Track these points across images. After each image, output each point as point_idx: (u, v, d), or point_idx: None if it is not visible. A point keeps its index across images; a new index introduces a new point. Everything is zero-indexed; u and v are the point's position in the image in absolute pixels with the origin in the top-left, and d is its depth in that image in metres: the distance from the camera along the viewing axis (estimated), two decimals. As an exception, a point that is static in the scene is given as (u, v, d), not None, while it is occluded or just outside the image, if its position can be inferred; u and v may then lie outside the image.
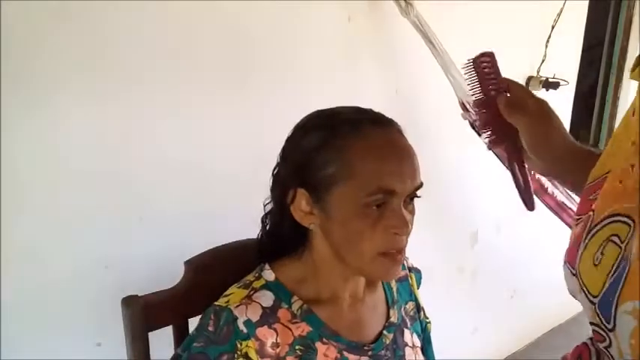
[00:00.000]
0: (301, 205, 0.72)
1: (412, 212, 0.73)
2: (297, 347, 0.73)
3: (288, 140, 0.76)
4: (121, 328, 0.82)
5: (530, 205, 0.83)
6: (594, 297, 0.56)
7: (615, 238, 0.55)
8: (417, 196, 0.74)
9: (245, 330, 0.70)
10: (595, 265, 0.57)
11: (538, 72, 2.09)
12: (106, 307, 0.95)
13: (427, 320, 0.92)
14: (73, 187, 1.06)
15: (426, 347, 0.91)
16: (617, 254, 0.54)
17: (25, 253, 1.02)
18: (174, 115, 1.17)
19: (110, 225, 1.12)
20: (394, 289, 0.88)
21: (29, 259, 1.03)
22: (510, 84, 0.79)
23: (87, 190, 1.08)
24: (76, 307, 1.10)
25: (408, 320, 0.87)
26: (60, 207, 1.05)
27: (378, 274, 0.75)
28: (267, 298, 0.74)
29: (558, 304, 2.66)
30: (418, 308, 0.91)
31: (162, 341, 0.85)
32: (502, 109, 0.77)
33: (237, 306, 0.71)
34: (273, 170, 0.78)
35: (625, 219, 0.55)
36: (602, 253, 0.56)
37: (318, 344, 0.74)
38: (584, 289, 0.58)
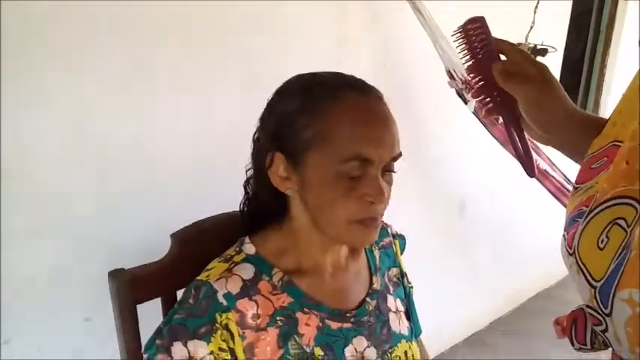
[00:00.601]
0: (279, 170, 0.72)
1: (390, 182, 0.72)
2: (277, 318, 0.73)
3: (268, 105, 0.75)
4: (109, 303, 0.82)
5: (530, 172, 0.79)
6: (596, 281, 0.54)
7: (622, 222, 0.53)
8: (394, 171, 0.73)
9: (225, 303, 0.70)
10: (600, 248, 0.55)
11: (526, 39, 2.07)
12: (94, 282, 0.95)
13: (410, 285, 0.93)
14: (57, 166, 1.05)
15: (410, 311, 0.92)
16: (622, 238, 0.53)
17: (18, 231, 1.02)
18: (160, 90, 1.16)
19: (96, 201, 1.11)
20: (377, 257, 0.88)
21: (22, 238, 1.02)
22: (506, 48, 0.74)
23: (71, 167, 1.07)
24: (64, 282, 1.10)
25: (391, 286, 0.88)
26: (48, 185, 1.04)
27: (354, 240, 0.74)
28: (247, 271, 0.74)
29: (544, 271, 2.72)
30: (402, 274, 0.92)
31: (151, 314, 0.86)
32: (497, 77, 0.72)
33: (217, 279, 0.72)
34: (254, 135, 0.77)
35: (632, 202, 0.53)
36: (607, 237, 0.54)
37: (298, 314, 0.75)
38: (585, 271, 0.56)
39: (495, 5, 1.79)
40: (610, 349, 0.59)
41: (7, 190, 1.00)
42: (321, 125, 0.68)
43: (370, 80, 0.74)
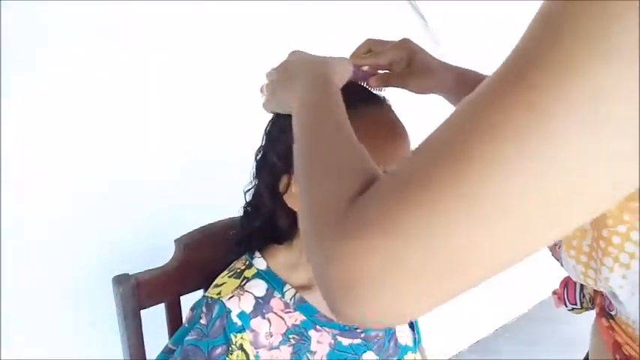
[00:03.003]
0: (292, 190, 0.70)
1: None
2: (290, 336, 0.72)
3: (276, 124, 0.73)
4: (114, 308, 0.82)
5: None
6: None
7: None
8: None
9: (239, 323, 0.69)
10: None
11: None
12: (99, 287, 0.95)
13: None
14: (59, 168, 1.05)
15: (413, 321, 0.91)
16: None
17: (20, 235, 1.02)
18: (164, 91, 1.16)
19: (101, 205, 1.11)
20: None
21: (23, 242, 1.03)
22: (371, 62, 0.76)
23: (74, 170, 1.07)
24: (70, 287, 1.10)
25: None
26: (50, 188, 1.04)
27: None
28: (259, 288, 0.73)
29: (550, 278, 2.70)
30: None
31: (154, 319, 0.86)
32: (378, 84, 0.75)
33: (230, 297, 0.70)
34: (257, 154, 0.75)
35: None
36: None
37: (311, 332, 0.74)
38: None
39: (498, 11, 1.79)
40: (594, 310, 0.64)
41: (7, 191, 1.00)
42: None
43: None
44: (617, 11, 0.26)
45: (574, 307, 0.69)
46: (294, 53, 0.67)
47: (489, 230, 0.29)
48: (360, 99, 0.70)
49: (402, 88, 0.76)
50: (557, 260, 0.54)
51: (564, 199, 0.28)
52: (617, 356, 0.54)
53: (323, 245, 0.35)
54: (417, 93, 0.77)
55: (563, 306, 0.71)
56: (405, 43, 0.76)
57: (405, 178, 0.32)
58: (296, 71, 0.61)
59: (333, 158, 0.42)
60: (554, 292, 0.72)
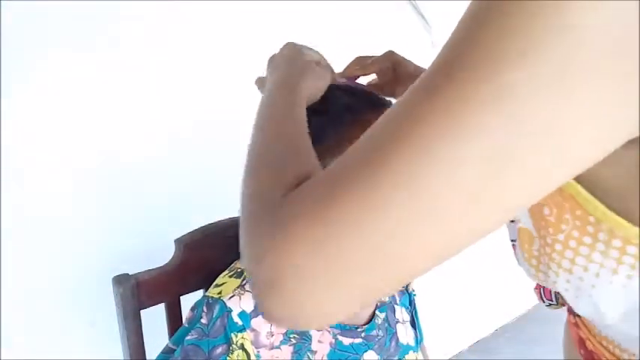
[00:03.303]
0: None
1: None
2: (291, 336, 0.72)
3: None
4: (114, 308, 0.82)
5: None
6: None
7: None
8: None
9: (240, 322, 0.69)
10: None
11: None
12: (99, 287, 0.95)
13: (414, 293, 0.93)
14: (59, 168, 1.05)
15: (415, 319, 0.92)
16: None
17: (20, 235, 1.02)
18: (162, 91, 1.16)
19: (101, 205, 1.11)
20: None
21: (23, 242, 1.03)
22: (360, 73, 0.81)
23: (73, 171, 1.07)
24: (70, 287, 1.10)
25: (397, 296, 0.88)
26: (50, 188, 1.04)
27: None
28: None
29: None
30: None
31: (155, 319, 0.86)
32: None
33: (231, 297, 0.70)
34: None
35: None
36: None
37: (312, 331, 0.74)
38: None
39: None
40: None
41: (7, 191, 1.00)
42: (344, 149, 0.65)
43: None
44: (534, 10, 0.27)
45: (550, 302, 0.71)
46: (286, 46, 0.68)
47: (411, 227, 0.30)
48: (365, 102, 0.71)
49: (391, 97, 0.79)
50: (515, 258, 0.56)
51: (474, 197, 0.29)
52: (582, 351, 0.56)
53: (251, 241, 0.35)
54: None
55: (541, 302, 0.72)
56: (390, 55, 0.80)
57: (335, 174, 0.33)
58: (277, 67, 0.63)
59: (272, 153, 0.43)
60: (535, 288, 0.73)
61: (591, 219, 0.37)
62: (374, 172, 0.30)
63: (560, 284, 0.43)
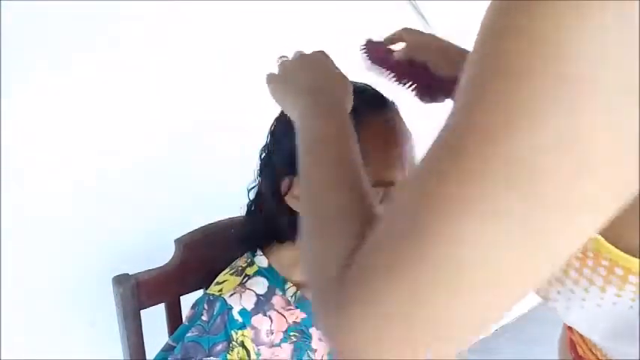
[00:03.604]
0: (294, 192, 0.70)
1: None
2: (291, 334, 0.72)
3: (281, 123, 0.72)
4: (114, 308, 0.82)
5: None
6: None
7: None
8: None
9: (240, 319, 0.69)
10: None
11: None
12: (99, 287, 0.95)
13: None
14: (59, 168, 1.05)
15: None
16: None
17: (20, 235, 1.02)
18: (160, 91, 1.16)
19: (101, 205, 1.11)
20: None
21: (23, 242, 1.03)
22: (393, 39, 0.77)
23: (73, 170, 1.07)
24: (70, 287, 1.10)
25: None
26: (50, 188, 1.04)
27: None
28: (261, 285, 0.73)
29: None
30: None
31: (154, 319, 0.86)
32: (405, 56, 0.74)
33: (231, 295, 0.71)
34: (261, 152, 0.75)
35: None
36: None
37: (312, 330, 0.74)
38: None
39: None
40: None
41: (7, 191, 1.00)
42: None
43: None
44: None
45: None
46: (317, 52, 0.65)
47: (466, 299, 0.31)
48: (367, 103, 0.70)
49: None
50: None
51: (524, 265, 0.30)
52: (573, 354, 0.56)
53: (321, 315, 0.38)
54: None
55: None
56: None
57: (385, 255, 0.34)
58: (296, 79, 0.60)
59: (329, 210, 0.44)
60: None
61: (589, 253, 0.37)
62: (417, 255, 0.31)
63: (551, 293, 0.43)
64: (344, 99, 0.58)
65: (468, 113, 0.30)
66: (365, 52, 0.77)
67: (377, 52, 0.76)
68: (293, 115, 0.56)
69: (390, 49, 0.76)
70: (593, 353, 0.51)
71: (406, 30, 0.77)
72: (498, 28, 0.29)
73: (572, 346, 0.56)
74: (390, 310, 0.32)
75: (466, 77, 0.31)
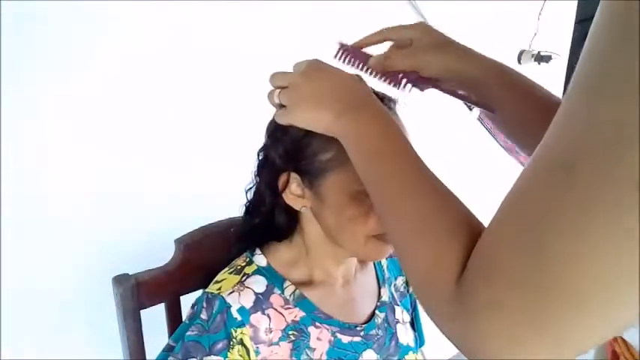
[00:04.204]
0: (292, 189, 0.71)
1: None
2: (290, 332, 0.73)
3: (278, 123, 0.71)
4: (113, 308, 0.82)
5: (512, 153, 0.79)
6: None
7: None
8: None
9: (239, 317, 0.69)
10: None
11: (530, 45, 2.07)
12: (99, 287, 0.96)
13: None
14: (59, 168, 1.05)
15: (416, 321, 0.92)
16: None
17: (20, 235, 1.02)
18: (162, 93, 1.16)
19: (101, 205, 1.11)
20: (384, 267, 0.88)
21: (23, 242, 1.03)
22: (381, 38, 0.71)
23: (75, 172, 1.07)
24: (70, 287, 1.10)
25: (397, 297, 0.88)
26: (50, 188, 1.04)
27: (371, 255, 0.74)
28: (259, 284, 0.73)
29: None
30: (407, 282, 0.92)
31: (154, 319, 0.86)
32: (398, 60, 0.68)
33: (230, 293, 0.71)
34: (259, 151, 0.75)
35: None
36: None
37: (310, 328, 0.74)
38: None
39: (498, 12, 1.79)
40: None
41: (7, 191, 1.00)
42: (341, 147, 0.59)
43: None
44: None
45: None
46: (316, 63, 0.62)
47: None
48: None
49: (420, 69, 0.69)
50: None
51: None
52: None
53: (444, 323, 0.40)
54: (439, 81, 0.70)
55: None
56: (421, 25, 0.70)
57: (506, 258, 0.36)
58: (331, 91, 0.58)
59: (424, 217, 0.45)
60: None
61: None
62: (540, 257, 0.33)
63: None
64: (370, 96, 0.58)
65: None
66: (342, 58, 0.72)
67: (355, 56, 0.72)
68: (337, 128, 0.57)
69: (364, 52, 0.72)
70: None
71: (388, 29, 0.71)
72: None
73: (614, 356, 0.55)
74: (519, 317, 0.34)
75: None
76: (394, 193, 0.48)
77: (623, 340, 0.53)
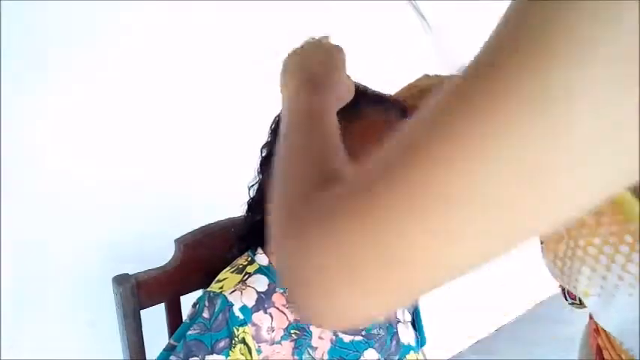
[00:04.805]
0: None
1: None
2: (292, 331, 0.73)
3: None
4: (114, 308, 0.82)
5: None
6: None
7: None
8: None
9: (242, 316, 0.69)
10: None
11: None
12: (99, 287, 0.96)
13: None
14: (59, 168, 1.05)
15: (417, 320, 0.91)
16: None
17: (20, 235, 1.02)
18: (163, 93, 1.16)
19: (101, 205, 1.11)
20: None
21: (23, 242, 1.03)
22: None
23: (75, 172, 1.07)
24: (70, 287, 1.10)
25: None
26: (50, 188, 1.04)
27: None
28: (261, 283, 0.73)
29: (548, 278, 2.70)
30: None
31: (154, 319, 0.86)
32: None
33: (232, 292, 0.71)
34: (262, 148, 0.76)
35: None
36: None
37: (312, 327, 0.74)
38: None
39: (498, 12, 1.79)
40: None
41: (8, 191, 1.00)
42: (345, 144, 0.62)
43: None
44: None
45: (573, 302, 0.69)
46: (314, 43, 0.66)
47: (448, 225, 0.28)
48: (368, 100, 0.70)
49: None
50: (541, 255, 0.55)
51: (504, 210, 0.27)
52: (598, 359, 0.55)
53: (278, 241, 0.35)
54: None
55: (565, 300, 0.71)
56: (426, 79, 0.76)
57: (359, 181, 0.32)
58: (301, 61, 0.61)
59: (301, 157, 0.42)
60: (559, 285, 0.73)
61: (631, 227, 0.36)
62: (412, 170, 0.28)
63: (591, 289, 0.42)
64: (340, 89, 0.58)
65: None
66: None
67: None
68: (287, 90, 0.57)
69: None
70: (622, 359, 0.50)
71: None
72: None
73: (599, 351, 0.55)
74: (351, 236, 0.29)
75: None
76: (290, 143, 0.47)
77: (606, 334, 0.53)
